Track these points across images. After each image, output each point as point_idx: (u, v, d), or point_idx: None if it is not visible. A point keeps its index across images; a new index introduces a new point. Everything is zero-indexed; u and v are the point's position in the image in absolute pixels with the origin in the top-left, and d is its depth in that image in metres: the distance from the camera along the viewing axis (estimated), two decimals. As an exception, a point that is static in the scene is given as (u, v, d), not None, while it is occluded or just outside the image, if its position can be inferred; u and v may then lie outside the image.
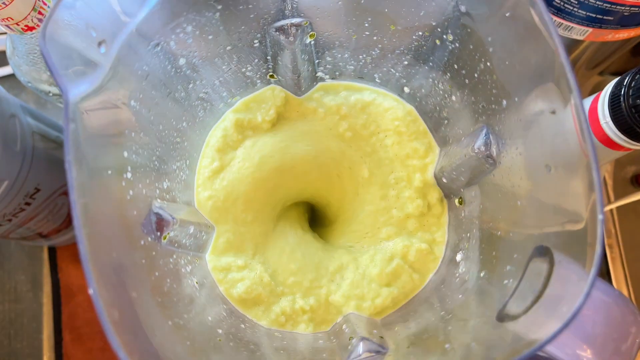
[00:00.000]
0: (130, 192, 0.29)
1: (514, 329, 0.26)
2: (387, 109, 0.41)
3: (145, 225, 0.31)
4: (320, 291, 0.39)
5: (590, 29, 0.46)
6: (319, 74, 0.41)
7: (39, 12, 0.40)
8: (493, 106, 0.32)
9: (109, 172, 0.27)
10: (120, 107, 0.29)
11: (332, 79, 0.42)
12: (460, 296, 0.35)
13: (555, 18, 0.47)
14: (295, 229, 0.44)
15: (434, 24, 0.33)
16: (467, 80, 0.34)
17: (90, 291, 0.21)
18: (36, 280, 0.63)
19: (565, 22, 0.46)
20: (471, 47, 0.31)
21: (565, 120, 0.25)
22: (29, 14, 0.40)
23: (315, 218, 0.48)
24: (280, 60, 0.38)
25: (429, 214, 0.41)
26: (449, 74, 0.35)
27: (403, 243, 0.40)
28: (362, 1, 0.33)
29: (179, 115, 0.36)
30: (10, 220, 0.48)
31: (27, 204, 0.49)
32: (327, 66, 0.41)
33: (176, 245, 0.34)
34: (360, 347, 0.31)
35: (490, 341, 0.27)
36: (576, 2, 0.44)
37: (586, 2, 0.43)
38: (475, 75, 0.32)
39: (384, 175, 0.41)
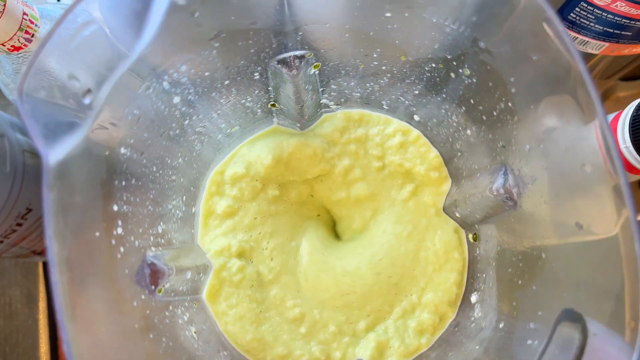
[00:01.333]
0: (121, 250, 0.27)
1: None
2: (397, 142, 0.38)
3: (138, 279, 0.29)
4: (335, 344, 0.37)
5: (607, 44, 0.44)
6: (324, 100, 0.39)
7: (26, 32, 0.38)
8: (514, 148, 0.29)
9: (97, 234, 0.24)
10: (108, 156, 0.26)
11: (337, 105, 0.39)
12: (477, 347, 0.32)
13: (570, 32, 0.45)
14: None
15: (449, 57, 0.30)
16: (484, 117, 0.31)
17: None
18: (31, 296, 0.61)
19: (580, 37, 0.44)
20: (490, 84, 0.29)
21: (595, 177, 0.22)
22: (15, 34, 0.38)
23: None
24: (282, 91, 0.35)
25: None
26: (464, 108, 0.33)
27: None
28: (372, 33, 0.30)
29: (175, 153, 0.34)
30: (1, 242, 0.46)
31: (19, 224, 0.46)
32: (332, 93, 0.38)
33: (172, 294, 0.32)
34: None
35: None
36: (592, 17, 0.41)
37: (603, 17, 0.41)
38: (494, 113, 0.30)
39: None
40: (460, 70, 0.30)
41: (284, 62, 0.32)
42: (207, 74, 0.30)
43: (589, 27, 0.42)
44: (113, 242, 0.26)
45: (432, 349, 0.36)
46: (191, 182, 0.38)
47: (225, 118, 0.36)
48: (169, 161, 0.34)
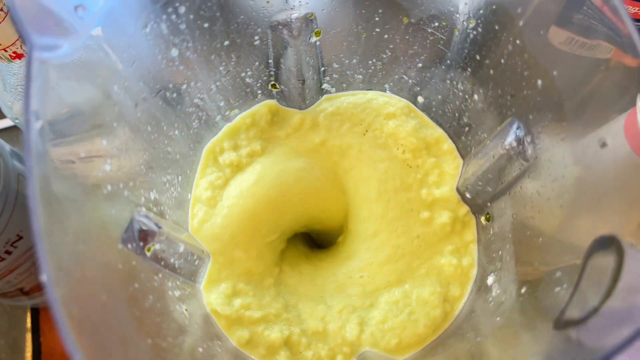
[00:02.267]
0: (108, 187, 0.25)
1: (578, 336, 0.21)
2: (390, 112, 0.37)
3: (126, 234, 0.26)
4: (332, 326, 0.34)
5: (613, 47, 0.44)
6: (325, 85, 0.38)
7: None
8: (525, 92, 0.28)
9: (82, 155, 0.23)
10: (101, 89, 0.25)
11: (339, 91, 0.39)
12: (497, 319, 0.29)
13: (576, 37, 0.45)
14: (301, 263, 0.39)
15: (452, 9, 0.30)
16: (491, 71, 0.30)
17: (43, 277, 0.17)
18: (17, 345, 0.58)
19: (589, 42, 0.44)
20: (497, 27, 0.28)
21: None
22: (17, 39, 0.38)
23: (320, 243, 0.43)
24: (283, 64, 0.35)
25: (453, 237, 0.36)
26: (469, 69, 0.32)
27: (425, 279, 0.35)
28: (373, -14, 0.30)
29: (171, 120, 0.33)
30: (-12, 272, 0.44)
31: (8, 252, 0.44)
32: (334, 75, 0.37)
33: (162, 263, 0.29)
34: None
35: (549, 353, 0.22)
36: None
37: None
38: (502, 60, 0.29)
39: (395, 194, 0.37)
40: (465, 23, 0.30)
41: (284, 24, 0.32)
42: (206, 25, 0.29)
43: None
44: (99, 174, 0.24)
45: (442, 337, 0.33)
46: (187, 164, 0.36)
47: (224, 94, 0.35)
48: (164, 127, 0.32)
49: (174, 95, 0.32)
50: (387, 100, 0.37)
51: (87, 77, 0.24)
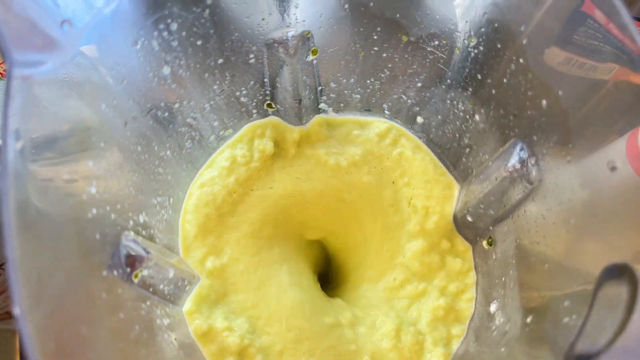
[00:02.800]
0: (94, 211, 0.23)
1: (591, 372, 0.19)
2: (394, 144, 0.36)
3: (112, 260, 0.25)
4: None
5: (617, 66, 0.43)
6: (322, 105, 0.37)
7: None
8: (529, 112, 0.27)
9: (65, 177, 0.21)
10: (89, 107, 0.24)
11: (336, 111, 0.38)
12: (502, 350, 0.28)
13: (575, 57, 0.44)
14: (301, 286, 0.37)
15: (452, 27, 0.29)
16: (493, 91, 0.29)
17: (15, 309, 0.15)
18: None
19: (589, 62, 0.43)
20: (499, 46, 0.27)
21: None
22: None
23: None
24: (279, 83, 0.34)
25: (448, 268, 0.35)
26: (470, 89, 0.31)
27: (419, 309, 0.34)
28: (371, 4, 0.29)
29: (162, 140, 0.31)
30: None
31: None
32: (331, 95, 0.37)
33: (151, 289, 0.28)
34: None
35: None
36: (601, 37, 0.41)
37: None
38: (504, 80, 0.28)
39: (389, 218, 0.36)
40: (466, 41, 0.29)
41: (280, 42, 0.31)
42: (199, 42, 0.28)
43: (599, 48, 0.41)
44: (84, 197, 0.23)
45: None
46: (180, 186, 0.35)
47: (218, 114, 0.34)
48: (155, 147, 0.31)
49: (166, 114, 0.31)
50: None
51: (74, 95, 0.23)
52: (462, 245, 0.35)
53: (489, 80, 0.29)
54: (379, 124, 0.37)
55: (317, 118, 0.37)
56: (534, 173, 0.28)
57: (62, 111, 0.22)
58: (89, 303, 0.20)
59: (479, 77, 0.30)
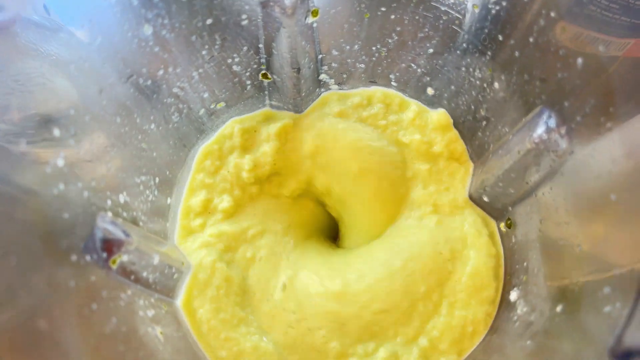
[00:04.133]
0: (61, 186, 0.20)
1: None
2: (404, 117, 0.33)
3: (86, 243, 0.22)
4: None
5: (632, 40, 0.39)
6: (323, 76, 0.34)
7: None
8: (559, 75, 0.24)
9: (22, 147, 0.18)
10: (54, 67, 0.20)
11: (339, 84, 0.34)
12: (528, 342, 0.25)
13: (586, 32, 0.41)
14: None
15: (471, -20, 0.25)
16: (516, 53, 0.26)
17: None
18: None
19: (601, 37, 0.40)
20: (525, -1, 0.24)
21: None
22: None
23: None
24: (275, 49, 0.30)
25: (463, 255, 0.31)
26: (489, 53, 0.28)
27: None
28: (379, -46, 0.25)
29: (145, 112, 0.28)
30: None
31: None
32: (333, 64, 0.33)
33: (132, 277, 0.25)
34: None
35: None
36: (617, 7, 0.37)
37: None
38: (531, 39, 0.24)
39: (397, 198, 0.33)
40: (486, -4, 0.26)
41: (276, 0, 0.27)
42: (184, -2, 0.25)
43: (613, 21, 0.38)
44: (48, 169, 0.19)
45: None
46: (167, 164, 0.32)
47: (208, 84, 0.31)
48: (138, 120, 0.28)
49: (149, 82, 0.27)
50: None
51: (33, 52, 0.19)
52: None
53: (512, 41, 0.26)
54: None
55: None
56: (564, 144, 0.24)
57: (17, 70, 0.19)
58: (49, 293, 0.17)
59: (500, 38, 0.26)
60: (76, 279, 0.19)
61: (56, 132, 0.21)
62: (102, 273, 0.22)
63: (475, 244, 0.30)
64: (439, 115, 0.32)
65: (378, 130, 0.34)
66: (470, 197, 0.32)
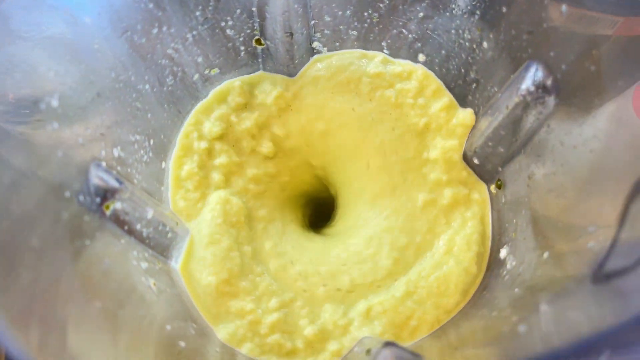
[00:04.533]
0: (55, 125, 0.21)
1: (624, 286, 0.17)
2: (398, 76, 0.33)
3: (81, 187, 0.22)
4: (325, 314, 0.30)
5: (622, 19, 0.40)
6: (315, 43, 0.34)
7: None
8: (545, 25, 0.24)
9: (18, 77, 0.19)
10: (42, 12, 0.21)
11: (332, 51, 0.35)
12: (516, 290, 0.25)
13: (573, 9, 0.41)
14: (301, 231, 0.34)
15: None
16: (504, 9, 0.27)
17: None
18: None
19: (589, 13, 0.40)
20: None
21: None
22: None
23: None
24: (268, 12, 0.31)
25: (456, 212, 0.32)
26: (477, 12, 0.28)
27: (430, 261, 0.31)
28: None
29: (140, 71, 0.29)
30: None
31: None
32: (326, 31, 0.34)
33: (126, 228, 0.25)
34: (384, 354, 0.22)
35: (587, 308, 0.18)
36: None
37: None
38: (518, -8, 0.25)
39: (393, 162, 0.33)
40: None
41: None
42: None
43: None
44: (42, 106, 0.20)
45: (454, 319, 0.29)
46: (161, 128, 0.32)
47: (202, 47, 0.31)
48: (132, 78, 0.28)
49: (143, 40, 0.28)
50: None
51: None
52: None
53: (500, -4, 0.26)
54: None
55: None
56: (551, 94, 0.25)
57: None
58: (39, 216, 0.18)
59: (489, -6, 0.27)
60: (69, 213, 0.20)
61: (51, 74, 0.21)
62: (95, 216, 0.22)
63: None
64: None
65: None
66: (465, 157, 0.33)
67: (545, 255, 0.24)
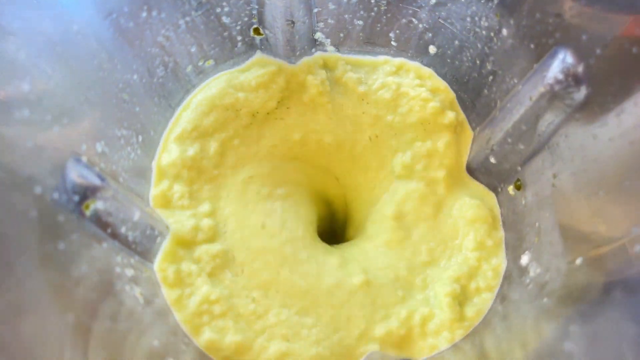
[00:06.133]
0: (25, 112, 0.18)
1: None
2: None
3: (58, 185, 0.20)
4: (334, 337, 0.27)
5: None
6: (318, 34, 0.32)
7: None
8: (575, 4, 0.22)
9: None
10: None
11: (335, 45, 0.32)
12: (544, 300, 0.22)
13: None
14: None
15: None
16: (528, -10, 0.24)
17: None
18: None
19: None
20: None
21: None
22: None
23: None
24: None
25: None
26: (497, -4, 0.26)
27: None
28: None
29: (127, 59, 0.26)
30: None
31: None
32: (329, 21, 0.31)
33: (109, 230, 0.22)
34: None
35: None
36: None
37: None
38: (544, -31, 0.23)
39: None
40: None
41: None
42: None
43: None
44: (10, 90, 0.17)
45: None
46: (151, 123, 0.29)
47: (195, 36, 0.29)
48: (119, 67, 0.26)
49: (131, 24, 0.25)
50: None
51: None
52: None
53: (522, -23, 0.24)
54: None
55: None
56: (582, 84, 0.22)
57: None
58: (4, 213, 0.15)
59: (509, -25, 0.25)
60: (39, 212, 0.17)
61: (22, 55, 0.18)
62: (72, 217, 0.20)
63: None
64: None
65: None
66: (469, 168, 0.31)
67: (579, 261, 0.22)
